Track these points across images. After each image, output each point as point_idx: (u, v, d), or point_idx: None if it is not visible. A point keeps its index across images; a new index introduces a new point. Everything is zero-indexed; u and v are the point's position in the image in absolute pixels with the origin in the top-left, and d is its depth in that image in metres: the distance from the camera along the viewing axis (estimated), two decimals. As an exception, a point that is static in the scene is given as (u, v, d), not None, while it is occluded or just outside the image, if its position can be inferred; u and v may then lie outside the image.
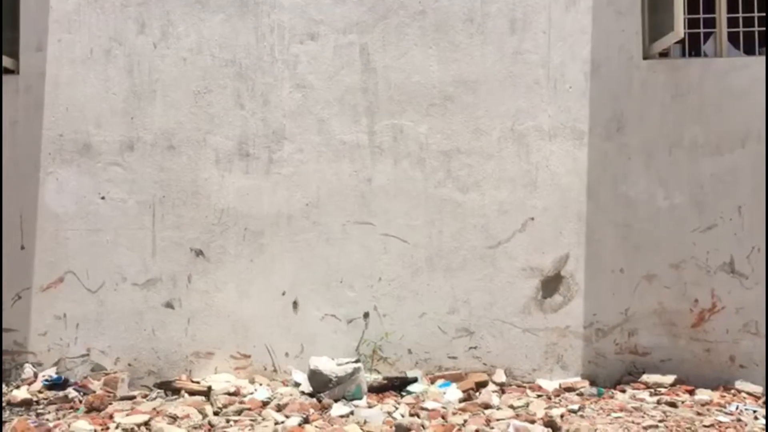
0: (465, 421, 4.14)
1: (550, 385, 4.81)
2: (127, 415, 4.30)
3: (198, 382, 4.82)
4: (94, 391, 4.70)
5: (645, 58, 4.91)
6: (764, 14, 4.94)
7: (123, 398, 4.66)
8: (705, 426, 4.09)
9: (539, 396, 4.65)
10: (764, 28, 4.94)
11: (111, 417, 4.30)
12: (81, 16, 5.08)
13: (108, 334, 5.03)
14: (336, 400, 4.51)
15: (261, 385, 4.85)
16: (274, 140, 5.04)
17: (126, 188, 5.05)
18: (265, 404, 4.49)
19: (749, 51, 5.05)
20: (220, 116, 5.05)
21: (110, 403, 4.54)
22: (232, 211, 5.04)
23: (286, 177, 5.04)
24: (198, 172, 5.05)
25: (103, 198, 5.06)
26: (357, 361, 4.74)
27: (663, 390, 4.63)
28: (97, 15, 5.08)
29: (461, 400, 4.54)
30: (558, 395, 4.65)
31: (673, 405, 4.39)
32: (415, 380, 4.80)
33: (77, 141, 5.05)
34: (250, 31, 5.05)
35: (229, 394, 4.65)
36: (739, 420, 4.19)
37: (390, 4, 5.00)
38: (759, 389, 4.65)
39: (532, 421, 4.15)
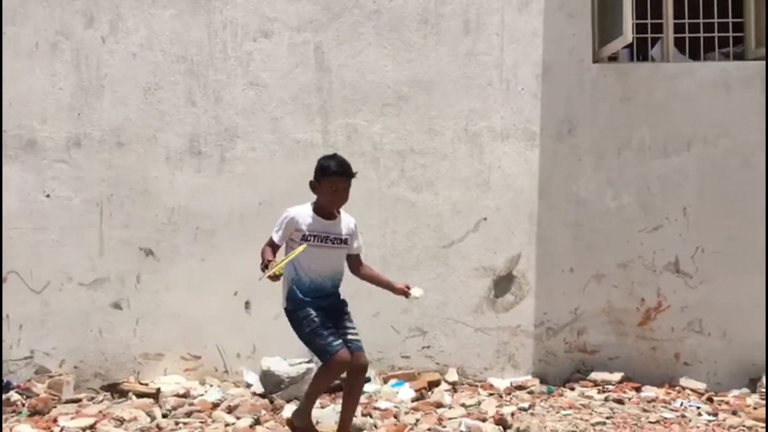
0: (417, 420, 4.16)
1: (501, 383, 4.86)
2: (72, 418, 4.21)
3: (146, 384, 4.73)
4: (38, 394, 4.56)
5: (595, 61, 5.00)
6: (711, 20, 5.07)
7: (68, 401, 4.55)
8: (651, 422, 4.19)
9: (491, 394, 4.70)
10: (710, 34, 5.08)
11: (55, 421, 4.19)
12: (26, 8, 4.93)
13: (53, 336, 4.89)
14: (288, 401, 4.47)
15: (212, 386, 4.79)
16: (226, 138, 4.98)
17: (72, 186, 4.92)
18: (215, 406, 4.43)
19: (695, 56, 5.18)
20: (171, 113, 4.96)
21: (54, 407, 4.42)
22: (184, 209, 4.96)
23: (238, 176, 4.98)
24: (148, 170, 4.95)
25: (48, 196, 4.92)
26: (310, 361, 4.70)
27: (611, 387, 4.73)
28: (43, 8, 4.93)
29: (414, 400, 4.56)
30: (509, 393, 4.70)
31: (620, 402, 4.48)
32: (368, 380, 4.77)
33: (21, 137, 4.90)
34: (202, 28, 4.97)
35: (179, 395, 4.58)
36: (683, 416, 4.30)
37: (345, 2, 4.99)
38: (702, 386, 4.78)
39: (484, 420, 4.19)
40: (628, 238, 4.96)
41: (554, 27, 4.99)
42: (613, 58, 5.17)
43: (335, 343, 3.49)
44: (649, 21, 5.09)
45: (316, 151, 4.95)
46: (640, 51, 5.27)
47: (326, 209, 3.64)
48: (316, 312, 3.55)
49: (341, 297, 3.71)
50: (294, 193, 4.93)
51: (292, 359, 4.70)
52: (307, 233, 3.56)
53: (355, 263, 3.76)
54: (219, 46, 4.98)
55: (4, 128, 4.89)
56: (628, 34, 4.56)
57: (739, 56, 5.11)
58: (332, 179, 3.57)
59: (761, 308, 4.87)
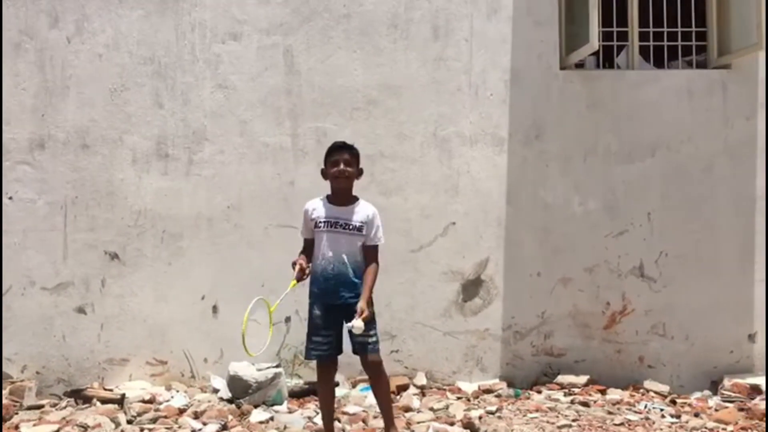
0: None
1: (469, 387, 4.88)
2: (35, 425, 4.14)
3: (111, 390, 4.67)
4: (-1, 401, 4.47)
5: (562, 68, 5.06)
6: (675, 29, 5.17)
7: (30, 408, 4.46)
8: (615, 424, 4.25)
9: (459, 398, 4.72)
10: (674, 43, 5.18)
11: (17, 428, 4.12)
12: (-12, 6, 4.84)
13: (15, 341, 4.79)
14: (256, 406, 4.45)
15: (178, 392, 4.73)
16: (194, 141, 4.93)
17: (36, 188, 4.83)
18: (182, 411, 4.39)
19: (659, 64, 5.28)
20: (138, 115, 4.90)
21: (16, 413, 4.35)
22: (150, 212, 4.90)
23: (206, 179, 4.93)
24: (113, 173, 4.88)
25: (10, 198, 4.83)
26: (278, 366, 4.68)
27: (577, 390, 4.78)
28: (6, 7, 4.84)
29: (382, 404, 4.56)
30: (477, 397, 4.73)
31: (585, 405, 4.53)
32: (336, 384, 4.77)
33: (-17, 138, 4.80)
34: (170, 29, 4.92)
35: (144, 401, 4.52)
36: (647, 418, 4.36)
37: (315, 6, 4.98)
38: (665, 388, 4.86)
39: (452, 423, 4.21)
40: (594, 242, 5.02)
41: (522, 34, 5.04)
42: (579, 65, 5.24)
43: (313, 352, 3.75)
44: (614, 29, 5.17)
45: (285, 155, 4.97)
46: (606, 58, 5.34)
47: (337, 194, 3.75)
48: (321, 312, 3.71)
49: (359, 295, 3.66)
50: (263, 197, 4.94)
51: (260, 364, 4.66)
52: (318, 220, 3.70)
53: (365, 255, 3.74)
54: (187, 47, 4.93)
55: (-36, 129, 4.79)
56: (595, 42, 4.62)
57: (702, 65, 5.22)
58: (332, 156, 3.73)
59: (722, 312, 4.98)
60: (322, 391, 3.90)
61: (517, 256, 5.02)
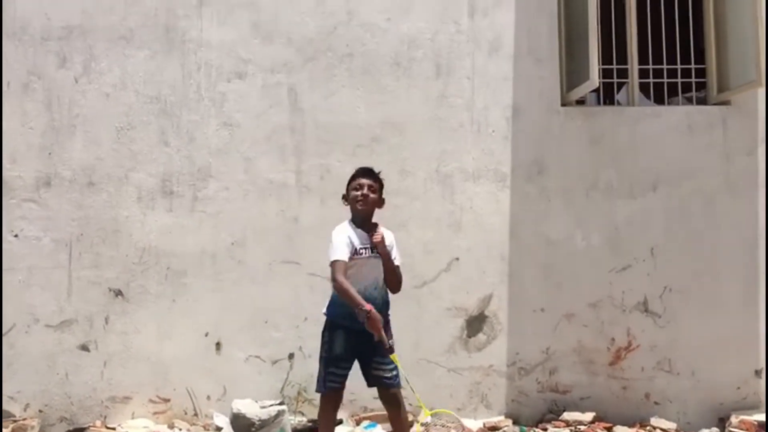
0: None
1: (474, 424, 4.84)
2: (36, 465, 4.09)
3: (113, 429, 4.64)
4: (1, 440, 4.45)
5: (563, 104, 5.11)
6: (674, 66, 5.23)
7: (32, 447, 4.43)
8: (622, 463, 4.21)
9: (464, 436, 4.68)
10: (674, 80, 5.23)
11: (18, 468, 4.08)
12: (-2, 47, 4.93)
13: (17, 379, 4.78)
14: (259, 444, 4.41)
15: (181, 429, 4.71)
16: (199, 178, 4.97)
17: (41, 225, 4.86)
18: (184, 450, 4.35)
19: (659, 101, 5.33)
20: (144, 153, 4.95)
21: (18, 453, 4.31)
22: (154, 249, 4.92)
23: (211, 215, 4.96)
24: (119, 210, 4.92)
25: (16, 236, 4.85)
26: (281, 404, 4.66)
27: (583, 427, 4.74)
28: (15, 47, 4.93)
29: (388, 438, 4.53)
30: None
31: (592, 442, 4.49)
32: (340, 422, 4.74)
33: (-10, 176, 4.85)
34: (177, 68, 5.00)
35: (147, 440, 4.49)
36: (654, 456, 4.32)
37: (318, 45, 5.06)
38: (672, 425, 4.81)
39: (457, 462, 4.17)
40: (598, 277, 5.02)
41: (523, 71, 5.10)
42: (580, 102, 5.30)
43: (330, 383, 3.69)
44: (614, 66, 5.23)
45: (289, 191, 5.00)
46: (606, 95, 5.40)
47: (360, 219, 3.77)
48: (344, 340, 3.66)
49: (388, 324, 3.72)
50: (266, 233, 4.96)
51: (264, 401, 4.64)
52: (358, 247, 3.70)
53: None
54: (193, 86, 5.00)
55: (-28, 167, 4.84)
56: (595, 79, 4.68)
57: (702, 101, 5.27)
58: (356, 180, 3.78)
59: (728, 347, 4.95)
60: (328, 422, 3.84)
61: (521, 291, 5.02)
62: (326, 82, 5.05)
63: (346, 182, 3.90)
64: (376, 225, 3.81)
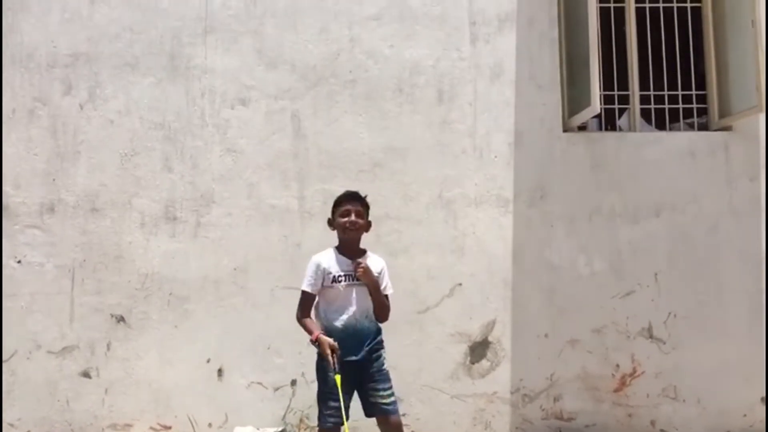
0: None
1: (476, 450, 4.79)
2: (35, 494, 4.05)
3: (114, 456, 4.60)
4: (0, 468, 4.41)
5: (565, 130, 5.13)
6: (675, 92, 5.26)
7: (31, 475, 4.39)
8: (628, 491, 4.15)
9: (467, 463, 4.63)
10: (675, 106, 5.26)
11: (17, 496, 4.03)
12: (4, 74, 4.97)
13: (18, 406, 4.75)
14: (260, 473, 4.37)
15: (182, 457, 4.66)
16: (202, 204, 4.99)
17: (44, 251, 4.87)
18: (185, 479, 4.31)
19: (661, 126, 5.35)
20: (147, 179, 4.97)
21: (17, 481, 4.27)
22: (157, 275, 4.92)
23: (214, 241, 4.97)
24: (122, 236, 4.92)
25: (19, 262, 4.86)
26: (283, 431, 4.62)
27: (588, 455, 4.69)
28: (21, 75, 4.98)
29: (389, 470, 4.47)
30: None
31: (597, 471, 4.44)
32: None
33: (-6, 202, 4.87)
34: (181, 95, 5.03)
35: (148, 468, 4.45)
36: (660, 484, 4.26)
37: (321, 72, 5.10)
38: (679, 453, 4.76)
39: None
40: (602, 303, 5.00)
41: (525, 97, 5.13)
42: (582, 128, 5.32)
43: (330, 420, 3.54)
44: (616, 92, 5.26)
45: (292, 217, 5.01)
46: (608, 121, 5.42)
47: (348, 246, 3.69)
48: (338, 371, 3.49)
49: (378, 350, 3.64)
50: (269, 259, 4.96)
51: (265, 429, 4.61)
52: (336, 274, 3.61)
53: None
54: (197, 113, 5.03)
55: (-24, 193, 4.85)
56: (596, 105, 4.70)
57: (703, 127, 5.29)
58: (343, 206, 3.70)
59: (733, 374, 4.91)
60: None
61: (524, 317, 4.99)
62: (329, 108, 5.08)
63: (331, 206, 3.85)
64: (364, 251, 3.74)
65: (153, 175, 4.97)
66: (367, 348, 3.59)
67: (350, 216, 3.67)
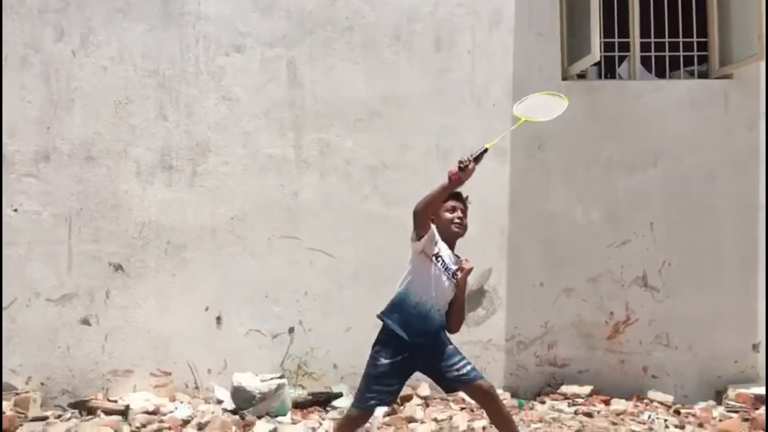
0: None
1: (473, 397, 4.87)
2: (39, 436, 4.14)
3: (115, 401, 4.67)
4: (4, 412, 4.47)
5: (564, 78, 5.08)
6: (676, 39, 5.19)
7: (35, 419, 4.46)
8: (619, 435, 4.26)
9: (462, 409, 4.71)
10: (676, 53, 5.20)
11: (21, 439, 4.12)
12: (-5, 20, 4.89)
13: (19, 353, 4.81)
14: (259, 417, 4.45)
15: (182, 403, 4.74)
16: (198, 153, 4.96)
17: (41, 200, 4.86)
18: (185, 423, 4.40)
19: (661, 74, 5.29)
20: (142, 127, 4.93)
21: (21, 425, 4.35)
22: (154, 224, 4.92)
23: (210, 190, 4.96)
24: (118, 184, 4.91)
25: (15, 210, 4.85)
26: (281, 377, 4.70)
27: (580, 400, 4.78)
28: (12, 21, 4.89)
29: (386, 414, 4.55)
30: (480, 408, 4.71)
31: (589, 415, 4.53)
32: (340, 395, 4.79)
33: (-12, 150, 4.84)
34: (175, 42, 4.96)
35: (148, 413, 4.52)
36: (650, 429, 4.37)
37: (317, 19, 5.01)
38: (669, 398, 4.85)
39: (456, 434, 4.21)
40: (597, 252, 5.03)
41: (524, 45, 5.07)
42: (581, 76, 5.27)
43: (370, 403, 3.35)
44: (616, 40, 5.19)
45: (289, 166, 5.00)
46: (608, 69, 5.36)
47: (451, 241, 3.43)
48: (394, 354, 3.31)
49: (443, 335, 3.40)
50: (266, 208, 4.97)
51: (264, 375, 4.68)
52: (440, 254, 3.34)
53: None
54: (191, 60, 4.96)
55: (-30, 142, 4.82)
56: (596, 53, 4.65)
57: (704, 75, 5.24)
58: (447, 202, 3.39)
59: (726, 321, 4.98)
60: (348, 429, 3.47)
61: (520, 266, 5.03)
62: (325, 55, 5.02)
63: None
64: (457, 256, 3.45)
65: (148, 124, 4.93)
66: (432, 331, 3.35)
67: (457, 212, 3.41)
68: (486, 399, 3.37)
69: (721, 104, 5.06)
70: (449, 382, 3.37)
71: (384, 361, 3.32)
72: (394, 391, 3.38)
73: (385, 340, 3.36)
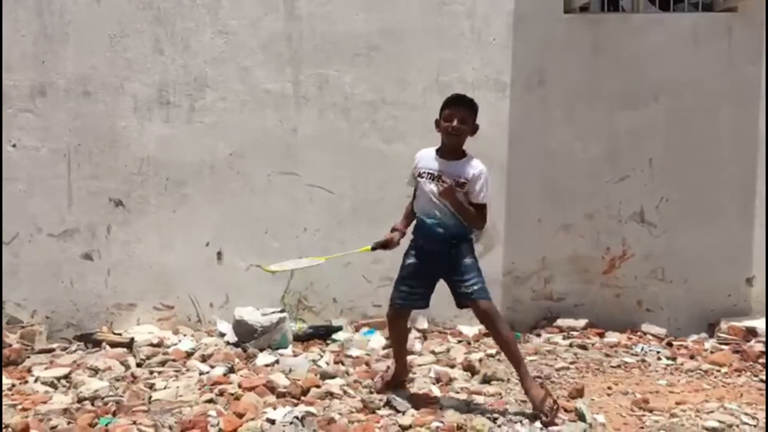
0: (388, 367, 4.25)
1: (470, 330, 4.97)
2: (46, 368, 4.23)
3: (119, 334, 4.76)
4: (10, 345, 4.57)
5: (566, 11, 4.98)
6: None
7: (41, 351, 4.56)
8: (612, 366, 4.36)
9: (460, 341, 4.82)
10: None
11: (29, 370, 4.22)
12: (-16, -50, 4.76)
13: (23, 287, 4.88)
14: (261, 350, 4.54)
15: (185, 336, 4.84)
16: (195, 88, 4.91)
17: (39, 136, 4.84)
18: (189, 355, 4.49)
19: (665, 7, 5.19)
20: (138, 62, 4.87)
21: (28, 357, 4.45)
22: (153, 160, 4.92)
23: (208, 126, 4.93)
24: (116, 120, 4.88)
25: (14, 146, 4.84)
26: (282, 311, 4.77)
27: (575, 333, 4.88)
28: (1, -50, 4.76)
29: (385, 347, 4.65)
30: (477, 340, 4.82)
31: (583, 347, 4.63)
32: (339, 329, 4.89)
33: (-16, 85, 4.79)
34: (169, -27, 4.84)
35: (152, 345, 4.62)
36: (643, 360, 4.46)
37: (315, -51, 4.89)
38: (663, 331, 4.94)
39: (453, 366, 4.31)
40: (596, 188, 5.04)
41: (526, -24, 4.95)
42: (584, 9, 5.15)
43: (397, 300, 3.73)
44: (620, -29, 5.08)
45: (287, 102, 4.96)
46: (611, 1, 5.25)
47: (447, 147, 3.63)
48: (416, 259, 3.66)
49: (459, 246, 3.60)
50: (265, 144, 4.95)
51: (265, 309, 4.76)
52: (422, 170, 3.64)
53: None
54: (186, -8, 4.86)
55: (-35, 76, 4.77)
56: (599, -16, 4.55)
57: (708, 7, 5.13)
58: (445, 110, 3.60)
59: (721, 256, 5.02)
60: (392, 341, 3.96)
61: (519, 202, 5.05)
62: (323, -13, 4.91)
63: (439, 107, 3.65)
64: (464, 154, 3.62)
65: (144, 58, 4.87)
66: (443, 241, 3.57)
67: (453, 121, 3.52)
68: (486, 320, 3.64)
69: (725, 38, 4.97)
70: (458, 296, 3.63)
71: (408, 261, 3.69)
72: (418, 294, 3.69)
73: (411, 245, 3.72)
